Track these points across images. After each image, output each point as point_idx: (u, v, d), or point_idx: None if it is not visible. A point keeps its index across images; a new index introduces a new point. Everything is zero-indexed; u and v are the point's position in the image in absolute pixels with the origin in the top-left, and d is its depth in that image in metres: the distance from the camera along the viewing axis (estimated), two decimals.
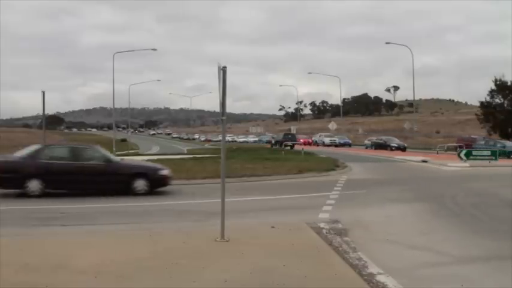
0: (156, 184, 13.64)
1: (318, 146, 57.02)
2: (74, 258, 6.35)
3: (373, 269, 6.19)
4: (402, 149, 45.69)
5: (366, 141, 56.61)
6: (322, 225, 8.99)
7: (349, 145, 57.51)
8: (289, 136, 53.90)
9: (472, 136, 44.75)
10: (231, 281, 5.47)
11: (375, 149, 48.25)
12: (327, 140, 59.02)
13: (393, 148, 46.00)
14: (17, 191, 12.82)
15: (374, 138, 54.91)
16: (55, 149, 14.86)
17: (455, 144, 40.88)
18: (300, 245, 7.24)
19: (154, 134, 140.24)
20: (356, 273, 5.99)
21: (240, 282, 5.49)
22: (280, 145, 48.53)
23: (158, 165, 15.26)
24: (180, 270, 5.85)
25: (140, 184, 13.27)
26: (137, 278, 5.58)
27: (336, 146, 55.60)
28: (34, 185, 12.62)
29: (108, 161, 13.74)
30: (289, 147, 44.69)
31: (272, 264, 6.16)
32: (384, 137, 52.53)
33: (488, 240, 8.20)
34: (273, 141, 55.55)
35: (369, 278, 5.79)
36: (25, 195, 12.54)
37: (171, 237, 7.82)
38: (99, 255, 6.53)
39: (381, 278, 5.80)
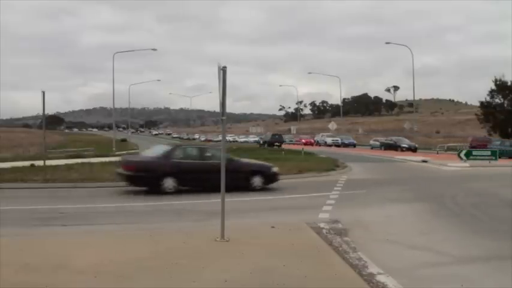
0: (270, 180, 14.93)
1: (319, 146, 56.28)
2: (74, 258, 6.35)
3: (373, 269, 6.20)
4: (413, 149, 44.09)
5: (372, 142, 55.07)
6: (322, 225, 8.99)
7: (354, 145, 56.15)
8: (277, 136, 56.91)
9: (487, 136, 44.09)
10: (231, 281, 5.47)
11: (384, 149, 46.41)
12: (329, 140, 58.19)
13: (404, 149, 44.32)
14: (151, 188, 13.47)
15: (383, 139, 53.09)
16: (184, 149, 15.81)
17: (457, 144, 40.90)
18: (300, 245, 7.25)
19: (157, 134, 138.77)
20: (356, 273, 5.99)
21: (240, 282, 5.49)
22: (269, 145, 51.46)
23: (270, 164, 16.35)
24: (180, 270, 5.85)
25: (257, 180, 14.52)
26: (137, 278, 5.58)
27: (338, 146, 54.71)
28: (169, 183, 13.45)
29: (230, 160, 14.24)
30: (276, 146, 49.43)
31: (272, 264, 6.16)
32: (394, 138, 50.68)
33: (488, 240, 8.21)
34: (261, 142, 57.80)
35: (369, 278, 5.80)
36: (160, 192, 13.19)
37: (171, 237, 7.82)
38: (99, 255, 6.53)
39: (381, 278, 5.80)
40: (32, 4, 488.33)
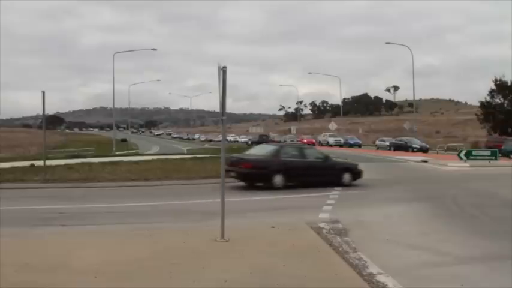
0: (356, 177, 16.17)
1: (321, 146, 54.35)
2: (74, 258, 6.35)
3: (373, 269, 6.20)
4: (424, 150, 42.34)
5: (378, 142, 52.68)
6: (322, 225, 8.99)
7: (359, 146, 54.01)
8: (264, 137, 60.56)
9: (502, 136, 43.29)
10: (231, 281, 5.47)
11: (394, 150, 43.89)
12: (331, 140, 56.52)
13: (415, 149, 42.22)
14: (264, 185, 14.67)
15: (391, 139, 50.73)
16: (288, 148, 17.12)
17: (457, 144, 40.85)
18: (300, 245, 7.25)
19: (159, 135, 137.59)
20: (356, 273, 5.99)
21: (240, 282, 5.49)
22: (256, 144, 52.47)
23: (356, 163, 17.70)
24: (180, 270, 5.85)
25: (347, 177, 15.80)
26: (137, 278, 5.58)
27: (341, 146, 53.15)
28: (279, 179, 14.60)
29: (326, 158, 16.23)
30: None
31: (272, 264, 6.16)
32: (404, 138, 48.08)
33: (488, 240, 8.21)
34: (250, 142, 60.26)
35: (369, 278, 5.80)
36: (271, 188, 14.33)
37: (171, 237, 7.82)
38: (99, 255, 6.53)
39: (381, 278, 5.80)
40: (32, 4, 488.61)
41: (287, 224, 8.95)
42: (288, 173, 14.80)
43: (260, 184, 14.88)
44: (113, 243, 7.31)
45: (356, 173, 16.26)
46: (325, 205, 11.53)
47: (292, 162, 15.24)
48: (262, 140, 55.58)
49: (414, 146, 43.48)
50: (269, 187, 14.40)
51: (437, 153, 40.97)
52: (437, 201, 12.55)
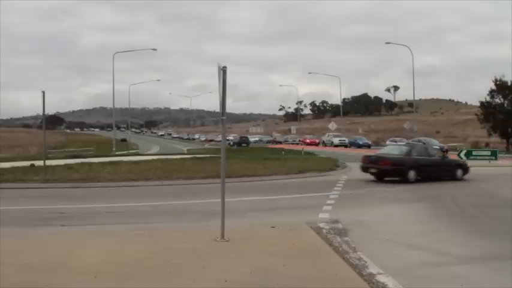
0: (465, 172, 18.57)
1: (325, 146, 53.18)
2: (74, 258, 6.35)
3: (373, 269, 6.19)
4: (444, 151, 38.70)
5: (389, 142, 48.96)
6: (322, 225, 8.99)
7: (369, 146, 51.33)
8: (244, 138, 64.73)
9: None
10: (231, 281, 5.47)
11: None
12: (336, 141, 54.57)
13: None
14: (399, 179, 16.99)
15: (410, 140, 46.84)
16: (418, 148, 19.57)
17: (457, 144, 40.65)
18: (300, 245, 7.24)
19: (163, 135, 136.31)
20: (356, 273, 5.99)
21: (240, 282, 5.49)
22: (238, 145, 58.95)
23: (464, 160, 20.27)
24: (180, 270, 5.84)
25: (459, 172, 18.30)
26: (137, 278, 5.58)
27: (345, 146, 51.73)
28: (412, 174, 16.97)
29: (444, 157, 19.45)
30: (244, 146, 57.43)
31: (272, 264, 6.16)
32: (422, 138, 45.74)
33: (488, 240, 8.20)
34: (232, 143, 62.05)
35: (369, 278, 5.79)
36: (406, 181, 16.67)
37: (171, 237, 7.82)
38: (99, 255, 6.53)
39: (381, 278, 5.80)
40: (32, 4, 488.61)
41: (287, 224, 8.94)
42: (419, 169, 17.14)
43: (396, 178, 17.12)
44: (113, 243, 7.31)
45: (465, 169, 18.67)
46: (325, 205, 11.53)
47: (422, 160, 17.69)
48: (243, 140, 62.43)
49: (434, 147, 39.96)
50: (404, 181, 16.73)
51: None
52: (437, 201, 12.56)
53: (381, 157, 18.11)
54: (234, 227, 7.90)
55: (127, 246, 7.07)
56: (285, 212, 11.02)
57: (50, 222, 9.52)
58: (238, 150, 37.37)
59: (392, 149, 20.26)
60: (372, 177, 17.57)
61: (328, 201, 12.13)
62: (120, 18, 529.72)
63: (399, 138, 50.76)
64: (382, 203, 12.38)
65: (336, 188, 14.79)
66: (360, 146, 51.03)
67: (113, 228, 8.92)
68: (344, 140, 54.58)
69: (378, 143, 56.72)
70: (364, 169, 17.97)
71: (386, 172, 17.30)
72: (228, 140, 74.42)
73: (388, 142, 51.07)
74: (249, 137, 71.40)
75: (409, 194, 14.26)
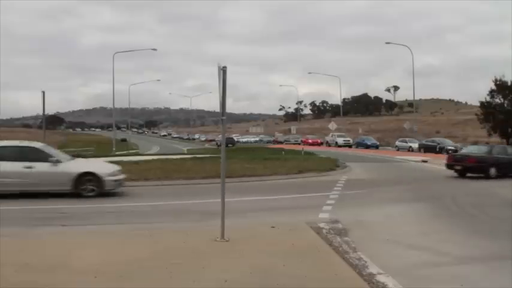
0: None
1: (329, 147, 52.13)
2: (74, 258, 6.35)
3: (373, 269, 6.19)
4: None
5: (398, 143, 47.98)
6: (322, 225, 8.98)
7: (377, 147, 50.09)
8: (230, 139, 63.19)
9: None
10: (231, 281, 5.47)
11: (425, 152, 40.06)
12: (340, 141, 53.13)
13: (449, 152, 34.47)
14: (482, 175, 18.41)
15: (423, 140, 46.24)
16: (498, 148, 21.25)
17: (457, 144, 40.63)
18: (300, 245, 7.24)
19: (166, 135, 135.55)
20: (356, 273, 5.99)
21: (240, 282, 5.49)
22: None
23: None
24: (180, 270, 5.85)
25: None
26: (137, 278, 5.58)
27: (350, 146, 50.74)
28: (493, 171, 18.52)
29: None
30: (230, 146, 55.80)
31: (272, 264, 6.16)
32: (436, 139, 44.68)
33: (488, 240, 8.20)
34: (219, 143, 61.74)
35: (369, 278, 5.79)
36: (488, 177, 18.12)
37: (171, 237, 7.82)
38: (99, 255, 6.53)
39: (381, 278, 5.80)
40: (32, 4, 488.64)
41: (287, 224, 8.94)
42: (499, 166, 18.75)
43: (481, 175, 18.47)
44: (113, 243, 7.31)
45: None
46: (325, 205, 11.52)
47: (503, 158, 19.34)
48: (228, 141, 59.92)
49: (449, 147, 38.16)
50: (486, 177, 18.17)
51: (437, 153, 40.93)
52: (437, 201, 12.55)
53: (466, 155, 20.02)
54: (234, 227, 7.90)
55: (127, 246, 7.08)
56: (285, 212, 11.01)
57: (50, 222, 9.52)
58: (239, 150, 37.39)
59: (475, 148, 22.34)
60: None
61: (328, 201, 12.12)
62: (120, 18, 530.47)
63: (409, 138, 48.65)
64: (382, 203, 12.38)
65: (336, 188, 14.79)
66: (368, 147, 49.73)
67: (113, 228, 8.92)
68: (348, 140, 53.21)
69: (380, 144, 56.27)
70: (449, 166, 19.68)
71: (471, 168, 18.89)
72: (213, 140, 76.34)
73: (397, 143, 49.02)
74: (234, 137, 73.76)
75: (409, 194, 14.25)
